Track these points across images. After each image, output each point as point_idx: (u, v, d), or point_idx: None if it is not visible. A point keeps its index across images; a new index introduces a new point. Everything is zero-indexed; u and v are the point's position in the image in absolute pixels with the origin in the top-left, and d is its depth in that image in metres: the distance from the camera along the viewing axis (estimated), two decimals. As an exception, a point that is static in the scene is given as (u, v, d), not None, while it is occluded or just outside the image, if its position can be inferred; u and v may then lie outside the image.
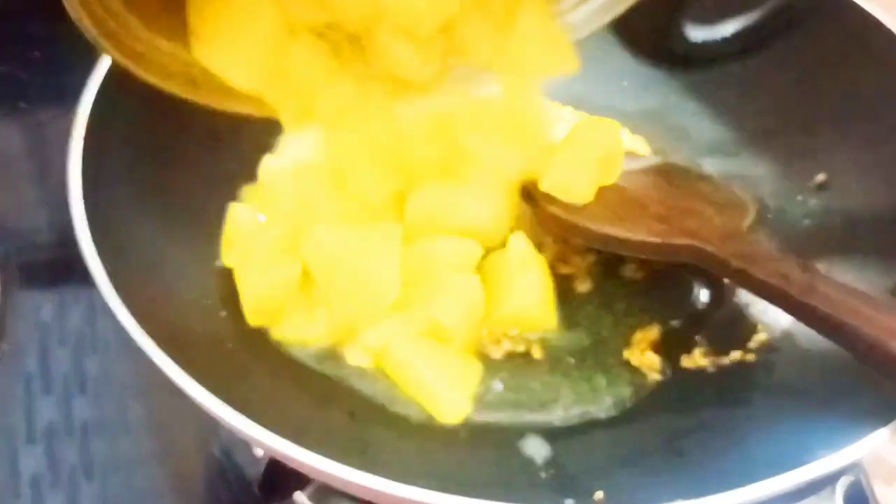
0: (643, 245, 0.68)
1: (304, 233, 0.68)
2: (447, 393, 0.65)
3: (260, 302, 0.68)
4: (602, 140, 0.73)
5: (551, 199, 0.72)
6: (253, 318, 0.68)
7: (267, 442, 0.52)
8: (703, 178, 0.76)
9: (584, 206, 0.72)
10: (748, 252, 0.64)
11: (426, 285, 0.68)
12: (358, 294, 0.66)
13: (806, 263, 0.62)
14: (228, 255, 0.72)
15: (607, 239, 0.69)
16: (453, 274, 0.68)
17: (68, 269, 0.82)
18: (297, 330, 0.68)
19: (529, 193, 0.73)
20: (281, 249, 0.69)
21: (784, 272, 0.61)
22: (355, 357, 0.67)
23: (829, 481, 0.53)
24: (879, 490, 0.77)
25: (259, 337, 0.69)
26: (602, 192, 0.73)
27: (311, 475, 0.54)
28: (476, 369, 0.68)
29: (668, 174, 0.76)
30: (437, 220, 0.70)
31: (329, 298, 0.67)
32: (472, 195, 0.71)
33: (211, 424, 0.70)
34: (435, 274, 0.68)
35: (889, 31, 0.75)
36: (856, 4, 0.77)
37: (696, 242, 0.66)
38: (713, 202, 0.72)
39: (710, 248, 0.65)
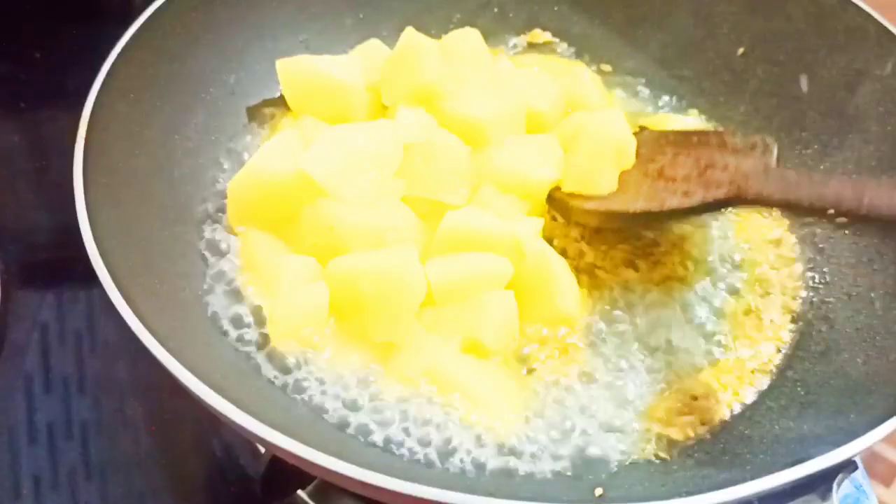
0: (685, 210, 0.68)
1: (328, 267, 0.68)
2: (503, 410, 0.65)
3: (291, 332, 0.67)
4: (611, 132, 0.74)
5: (580, 197, 0.72)
6: (284, 346, 0.68)
7: (269, 439, 0.52)
8: (717, 133, 0.75)
9: (614, 195, 0.72)
10: (787, 181, 0.64)
11: (461, 305, 0.68)
12: (388, 301, 0.66)
13: (848, 178, 0.62)
14: (253, 288, 0.71)
15: (648, 216, 0.69)
16: (489, 292, 0.68)
17: (68, 269, 0.82)
18: (334, 362, 0.67)
19: (557, 199, 0.73)
20: (306, 279, 0.68)
21: (830, 191, 0.61)
22: (392, 388, 0.66)
23: (826, 479, 0.53)
24: (877, 489, 0.78)
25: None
26: (624, 177, 0.73)
27: (313, 473, 0.54)
28: (519, 382, 0.67)
29: (683, 141, 0.75)
30: (468, 239, 0.70)
31: (361, 316, 0.67)
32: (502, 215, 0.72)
33: (211, 424, 0.70)
34: (469, 293, 0.68)
35: (889, 32, 0.76)
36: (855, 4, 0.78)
37: (734, 191, 0.65)
38: (736, 150, 0.71)
39: (751, 194, 0.64)
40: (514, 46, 0.93)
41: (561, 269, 0.70)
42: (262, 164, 0.72)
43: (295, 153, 0.72)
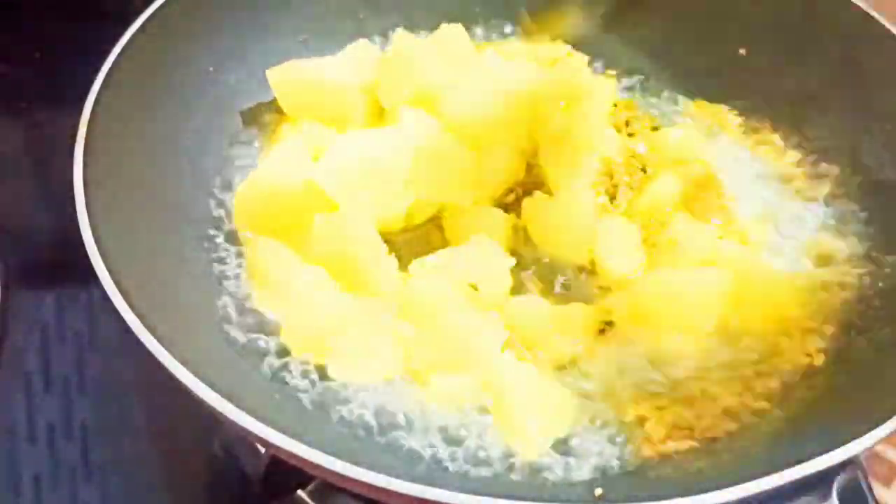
0: None
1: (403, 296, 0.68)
2: (534, 430, 0.63)
3: (309, 340, 0.67)
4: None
5: None
6: (300, 350, 0.67)
7: (270, 439, 0.52)
8: None
9: None
10: None
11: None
12: (465, 339, 0.66)
13: None
14: (262, 296, 0.70)
15: None
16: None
17: (68, 269, 0.82)
18: (358, 368, 0.66)
19: None
20: (317, 289, 0.68)
21: None
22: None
23: (825, 479, 0.53)
24: (878, 489, 0.78)
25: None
26: None
27: (314, 472, 0.54)
28: (569, 407, 0.66)
29: None
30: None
31: (431, 345, 0.66)
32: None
33: (211, 424, 0.70)
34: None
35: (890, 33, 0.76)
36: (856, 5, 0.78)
37: None
38: None
39: None
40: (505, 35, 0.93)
41: None
42: (270, 173, 0.73)
43: (302, 161, 0.73)
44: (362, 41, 0.86)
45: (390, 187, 0.72)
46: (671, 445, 0.64)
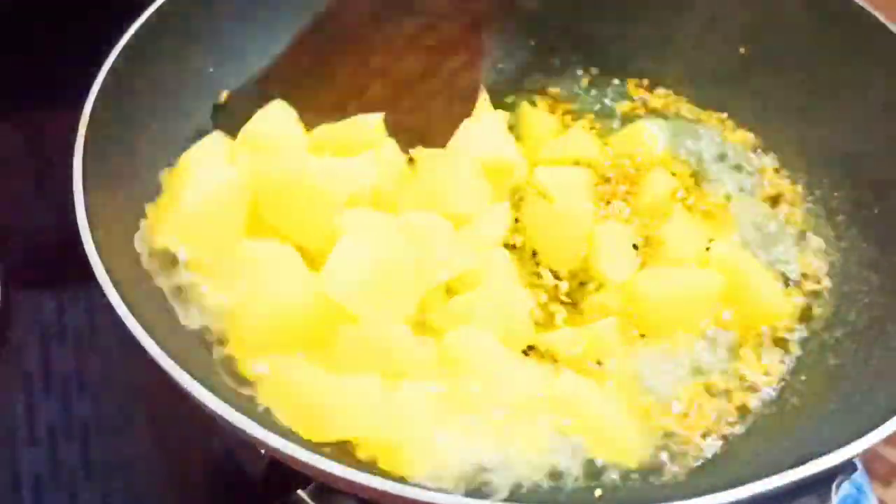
0: None
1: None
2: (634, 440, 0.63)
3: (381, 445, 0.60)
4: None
5: None
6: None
7: (270, 442, 0.52)
8: None
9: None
10: None
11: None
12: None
13: None
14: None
15: None
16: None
17: (68, 269, 0.82)
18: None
19: None
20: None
21: None
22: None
23: (825, 480, 0.53)
24: (877, 489, 0.78)
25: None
26: None
27: (313, 475, 0.54)
28: None
29: None
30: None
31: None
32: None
33: (211, 424, 0.71)
34: None
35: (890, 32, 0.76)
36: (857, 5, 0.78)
37: None
38: None
39: None
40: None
41: None
42: (270, 293, 0.65)
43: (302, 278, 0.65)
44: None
45: (403, 284, 0.66)
46: (671, 445, 0.64)
